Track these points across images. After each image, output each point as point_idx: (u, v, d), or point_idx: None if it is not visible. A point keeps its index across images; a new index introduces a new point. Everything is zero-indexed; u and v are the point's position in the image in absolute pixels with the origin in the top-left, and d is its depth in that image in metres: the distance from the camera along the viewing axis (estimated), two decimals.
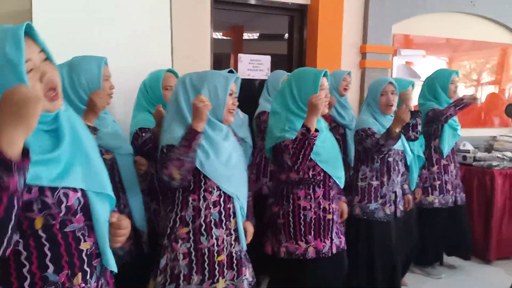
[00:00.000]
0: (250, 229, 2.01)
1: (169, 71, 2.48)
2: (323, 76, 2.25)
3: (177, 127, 1.77)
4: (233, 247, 1.85)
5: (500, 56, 5.58)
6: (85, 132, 1.20)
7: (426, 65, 4.98)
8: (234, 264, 1.85)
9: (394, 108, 2.82)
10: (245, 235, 1.96)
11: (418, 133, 3.05)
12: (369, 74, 4.37)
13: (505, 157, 4.00)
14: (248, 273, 1.91)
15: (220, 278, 1.80)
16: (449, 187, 3.49)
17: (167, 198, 1.97)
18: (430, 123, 3.45)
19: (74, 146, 1.13)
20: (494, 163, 3.95)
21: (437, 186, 3.46)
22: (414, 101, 3.27)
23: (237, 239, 1.87)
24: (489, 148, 4.28)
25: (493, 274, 3.71)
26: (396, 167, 2.83)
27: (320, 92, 2.20)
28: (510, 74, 5.66)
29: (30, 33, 1.06)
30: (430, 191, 3.47)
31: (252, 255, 2.03)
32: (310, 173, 2.24)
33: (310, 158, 2.18)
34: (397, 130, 2.57)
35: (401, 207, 2.90)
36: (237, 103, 1.91)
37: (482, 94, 5.58)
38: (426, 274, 3.64)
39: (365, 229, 2.82)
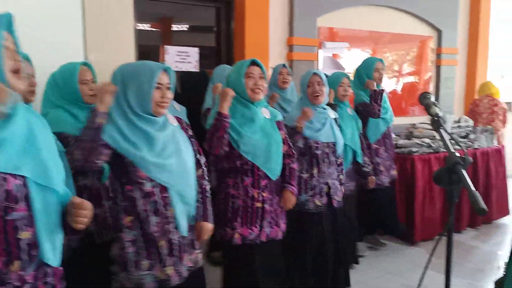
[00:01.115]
0: (206, 227, 2.00)
1: (84, 64, 2.34)
2: (256, 65, 2.35)
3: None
4: (173, 234, 1.85)
5: (419, 48, 5.91)
6: (43, 132, 1.32)
7: (351, 57, 5.16)
8: (173, 251, 1.86)
9: (322, 98, 2.87)
10: (201, 233, 1.98)
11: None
12: (296, 66, 4.45)
13: (423, 144, 4.24)
14: (189, 259, 1.92)
15: (166, 262, 1.86)
16: (381, 168, 3.74)
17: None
18: (360, 114, 3.63)
19: (27, 141, 1.24)
20: (414, 149, 4.18)
21: (371, 169, 3.65)
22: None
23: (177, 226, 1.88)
24: (409, 135, 4.52)
25: (417, 254, 3.93)
26: (326, 159, 2.86)
27: (247, 80, 2.30)
28: (428, 65, 6.00)
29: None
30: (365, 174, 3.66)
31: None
32: (238, 162, 2.31)
33: (234, 147, 2.28)
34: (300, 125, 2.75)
35: (337, 197, 2.94)
36: (170, 96, 1.86)
37: (404, 84, 5.88)
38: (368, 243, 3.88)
39: (296, 220, 2.85)
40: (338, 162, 2.94)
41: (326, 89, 2.89)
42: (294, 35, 4.44)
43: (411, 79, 5.98)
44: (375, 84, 3.65)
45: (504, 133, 5.73)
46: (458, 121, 4.85)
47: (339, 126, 3.04)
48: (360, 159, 3.41)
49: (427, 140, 4.27)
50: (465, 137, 4.67)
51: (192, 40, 4.31)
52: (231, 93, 2.27)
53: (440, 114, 1.96)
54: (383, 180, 3.75)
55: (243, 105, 2.35)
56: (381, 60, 3.72)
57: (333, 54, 5.03)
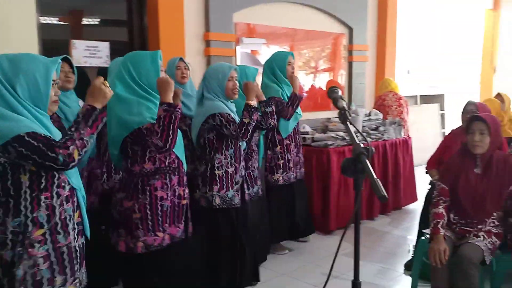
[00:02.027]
0: None
1: None
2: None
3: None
4: (77, 241, 1.77)
5: (333, 45, 6.13)
6: None
7: (270, 53, 5.22)
8: (78, 258, 1.77)
9: (237, 95, 2.89)
10: None
11: (275, 119, 3.25)
12: (215, 62, 4.41)
13: (338, 137, 4.42)
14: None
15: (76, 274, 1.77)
16: (291, 164, 3.77)
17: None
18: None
19: None
20: (329, 142, 4.34)
21: (281, 164, 3.70)
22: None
23: (80, 232, 1.79)
24: (324, 129, 4.69)
25: (334, 243, 4.08)
26: (249, 151, 2.94)
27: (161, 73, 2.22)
28: (342, 62, 6.25)
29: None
30: (275, 170, 3.70)
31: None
32: (166, 161, 2.22)
33: None
34: (253, 102, 2.79)
35: (254, 189, 2.99)
36: (59, 92, 1.76)
37: (321, 80, 6.08)
38: (272, 251, 3.84)
39: (226, 217, 2.84)
40: (256, 151, 3.02)
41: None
42: (210, 30, 4.40)
43: (326, 75, 6.20)
44: (299, 83, 3.70)
45: (410, 124, 6.13)
46: (369, 115, 5.11)
47: None
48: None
49: (341, 133, 4.46)
50: (376, 129, 4.93)
51: (104, 34, 4.11)
52: (172, 81, 2.15)
53: (348, 106, 2.06)
54: (290, 176, 3.78)
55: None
56: (291, 54, 3.81)
57: (251, 50, 5.07)
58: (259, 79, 3.70)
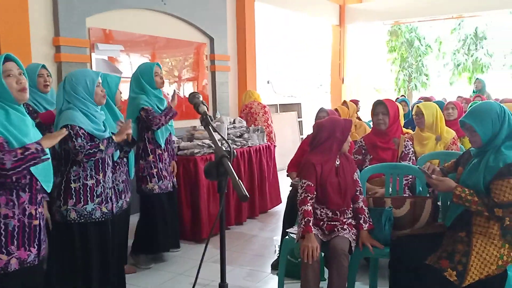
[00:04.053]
0: None
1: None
2: (10, 60, 2.04)
3: None
4: None
5: (195, 54, 6.16)
6: None
7: (129, 61, 5.04)
8: None
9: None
10: None
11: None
12: (66, 69, 4.11)
13: (204, 144, 4.41)
14: None
15: None
16: (165, 173, 3.69)
17: None
18: (143, 121, 3.55)
19: None
20: (196, 151, 4.32)
21: (155, 173, 3.61)
22: None
23: None
24: (190, 138, 4.65)
25: (207, 250, 4.03)
26: (110, 162, 2.73)
27: (8, 78, 2.00)
28: (205, 71, 6.30)
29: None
30: (149, 179, 3.60)
31: None
32: (14, 176, 1.97)
33: None
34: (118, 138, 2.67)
35: (121, 201, 2.82)
36: None
37: (184, 90, 6.04)
38: (137, 264, 3.69)
39: (81, 232, 2.61)
40: (124, 163, 2.85)
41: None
42: (60, 34, 4.08)
43: (190, 84, 6.19)
44: (176, 97, 3.72)
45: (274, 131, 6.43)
46: (234, 122, 5.22)
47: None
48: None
49: (207, 141, 4.46)
50: (240, 136, 5.05)
51: None
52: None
53: (213, 115, 2.07)
54: (167, 185, 3.71)
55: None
56: (157, 64, 3.70)
57: (109, 57, 4.83)
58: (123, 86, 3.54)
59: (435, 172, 2.56)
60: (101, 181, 2.65)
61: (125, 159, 3.27)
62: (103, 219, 2.67)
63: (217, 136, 1.82)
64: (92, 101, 2.63)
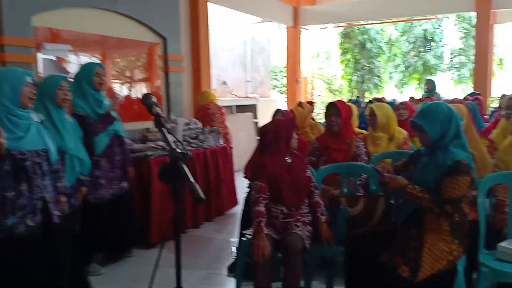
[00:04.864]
0: None
1: None
2: None
3: None
4: None
5: (148, 55, 6.02)
6: None
7: (79, 61, 4.85)
8: None
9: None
10: None
11: None
12: None
13: (158, 146, 4.32)
14: None
15: None
16: (102, 181, 3.50)
17: None
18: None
19: None
20: (150, 153, 4.22)
21: (89, 182, 3.39)
22: None
23: None
24: (143, 139, 4.54)
25: (156, 255, 3.94)
26: (39, 170, 2.43)
27: None
28: (158, 71, 6.18)
29: None
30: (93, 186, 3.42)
31: None
32: None
33: None
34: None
35: (57, 212, 2.57)
36: None
37: (137, 90, 5.89)
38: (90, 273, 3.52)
39: (4, 248, 2.35)
40: (54, 170, 2.58)
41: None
42: (4, 33, 3.87)
43: (143, 85, 6.05)
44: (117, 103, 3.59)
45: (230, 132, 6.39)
46: (189, 124, 5.14)
47: (60, 133, 2.77)
48: (86, 170, 3.19)
49: (161, 143, 4.37)
50: (196, 138, 4.98)
51: None
52: None
53: (168, 116, 2.01)
54: (103, 194, 3.52)
55: None
56: (100, 65, 3.55)
57: (57, 57, 4.64)
58: None
59: (388, 171, 2.62)
60: (24, 192, 2.38)
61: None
62: (28, 233, 2.38)
63: (171, 138, 1.78)
64: (18, 103, 2.37)
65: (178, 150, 1.66)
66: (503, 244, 2.45)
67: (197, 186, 1.52)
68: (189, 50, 6.69)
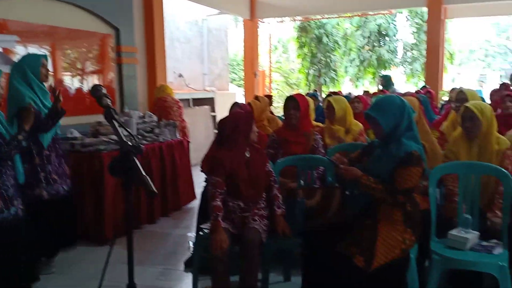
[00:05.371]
0: None
1: None
2: None
3: None
4: None
5: (100, 46, 5.82)
6: None
7: (27, 52, 4.62)
8: None
9: None
10: None
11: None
12: None
13: (110, 140, 4.18)
14: None
15: None
16: (55, 176, 3.36)
17: None
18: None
19: None
20: (102, 147, 4.08)
21: (43, 178, 3.27)
22: None
23: None
24: (95, 133, 4.39)
25: (115, 252, 3.82)
26: None
27: None
28: (111, 64, 5.99)
29: None
30: (35, 184, 3.24)
31: None
32: None
33: None
34: None
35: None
36: None
37: (89, 82, 5.69)
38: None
39: None
40: (10, 166, 2.51)
41: None
42: None
43: (95, 77, 5.85)
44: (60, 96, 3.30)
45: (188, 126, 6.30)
46: (143, 117, 5.02)
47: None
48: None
49: (114, 137, 4.23)
50: (151, 131, 4.87)
51: None
52: None
53: (121, 109, 1.94)
54: (58, 189, 3.39)
55: None
56: (45, 57, 3.41)
57: (3, 48, 4.41)
58: None
59: (343, 162, 2.64)
60: None
61: (9, 162, 2.90)
62: None
63: (122, 131, 1.72)
64: None
65: (129, 143, 1.61)
66: (453, 232, 2.52)
67: (148, 179, 1.47)
68: (144, 42, 6.51)
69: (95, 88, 1.91)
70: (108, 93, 1.93)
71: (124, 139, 1.64)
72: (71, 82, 5.44)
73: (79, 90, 5.53)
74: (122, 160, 1.60)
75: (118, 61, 6.01)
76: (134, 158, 1.58)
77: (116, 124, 1.73)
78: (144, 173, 1.51)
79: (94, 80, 5.78)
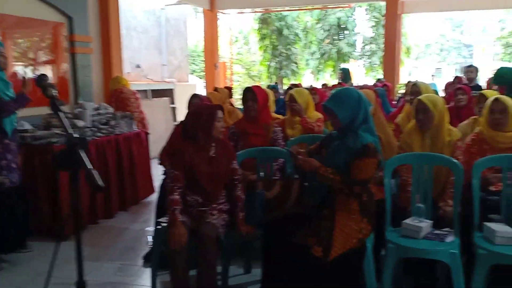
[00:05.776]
0: None
1: None
2: None
3: None
4: None
5: (53, 35, 5.58)
6: None
7: None
8: None
9: None
10: None
11: None
12: None
13: (63, 133, 4.02)
14: None
15: None
16: (14, 165, 3.37)
17: None
18: None
19: None
20: (54, 140, 3.93)
21: (4, 165, 3.28)
22: None
23: None
24: (47, 126, 4.21)
25: (69, 248, 3.69)
26: None
27: None
28: (64, 53, 5.76)
29: None
30: None
31: None
32: None
33: None
34: None
35: None
36: None
37: (41, 73, 5.45)
38: None
39: None
40: None
41: None
42: None
43: (48, 67, 5.61)
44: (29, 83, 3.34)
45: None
46: (98, 109, 4.85)
47: None
48: None
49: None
50: (106, 123, 4.72)
51: None
52: None
53: (76, 101, 1.87)
54: (17, 178, 3.37)
55: None
56: (1, 44, 3.35)
57: None
58: None
59: (301, 153, 2.64)
60: None
61: None
62: None
63: (67, 122, 1.64)
64: None
65: (76, 135, 1.53)
66: (407, 221, 2.57)
67: (95, 173, 1.41)
68: (98, 31, 6.29)
69: (40, 78, 1.88)
70: (61, 83, 1.87)
71: (70, 131, 1.57)
72: (23, 72, 5.19)
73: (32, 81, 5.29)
74: (68, 153, 1.53)
75: (72, 51, 5.79)
76: (81, 151, 1.51)
77: (62, 116, 1.65)
78: (90, 166, 1.44)
79: (47, 70, 5.55)
